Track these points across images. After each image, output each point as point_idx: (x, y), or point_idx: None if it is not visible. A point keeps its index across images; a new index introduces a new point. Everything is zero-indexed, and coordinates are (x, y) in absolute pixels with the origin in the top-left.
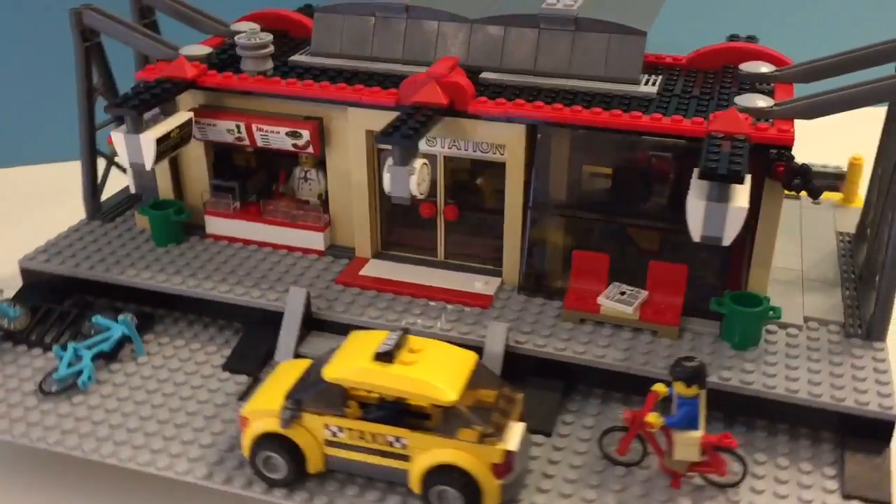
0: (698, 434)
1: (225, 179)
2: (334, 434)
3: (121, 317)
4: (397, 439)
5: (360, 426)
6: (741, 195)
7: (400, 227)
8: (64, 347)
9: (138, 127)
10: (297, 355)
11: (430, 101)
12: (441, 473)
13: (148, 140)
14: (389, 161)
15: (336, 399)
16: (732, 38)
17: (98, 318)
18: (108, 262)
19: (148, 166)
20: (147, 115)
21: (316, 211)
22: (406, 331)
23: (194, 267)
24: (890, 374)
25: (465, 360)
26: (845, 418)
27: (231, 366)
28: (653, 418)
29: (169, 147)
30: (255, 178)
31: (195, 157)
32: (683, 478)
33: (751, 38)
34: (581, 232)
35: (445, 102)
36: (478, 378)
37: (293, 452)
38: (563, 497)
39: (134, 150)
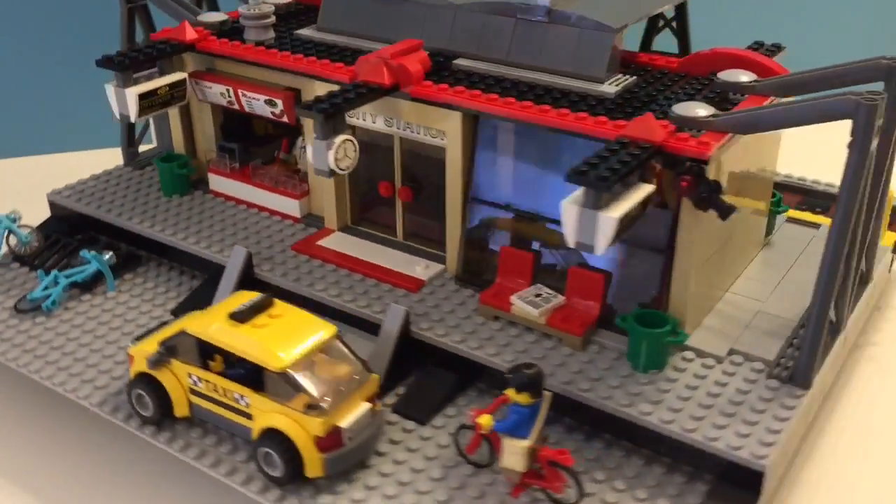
0: (524, 443)
1: (228, 141)
2: (195, 383)
3: (95, 253)
4: (241, 397)
5: (215, 380)
6: (619, 204)
7: (373, 204)
8: (48, 272)
9: (125, 82)
10: None
11: (372, 79)
12: (270, 436)
13: (132, 94)
14: (314, 134)
15: (198, 351)
16: (756, 45)
17: (84, 252)
18: (116, 205)
19: (132, 118)
20: (144, 73)
21: (299, 180)
22: (270, 296)
23: (180, 218)
24: (789, 424)
25: (319, 332)
26: (715, 460)
27: (177, 311)
28: (483, 420)
29: (157, 103)
30: (267, 144)
31: (206, 118)
32: (526, 489)
33: (775, 47)
34: (519, 227)
35: (387, 82)
36: (330, 352)
37: (160, 394)
38: (399, 484)
39: (121, 102)
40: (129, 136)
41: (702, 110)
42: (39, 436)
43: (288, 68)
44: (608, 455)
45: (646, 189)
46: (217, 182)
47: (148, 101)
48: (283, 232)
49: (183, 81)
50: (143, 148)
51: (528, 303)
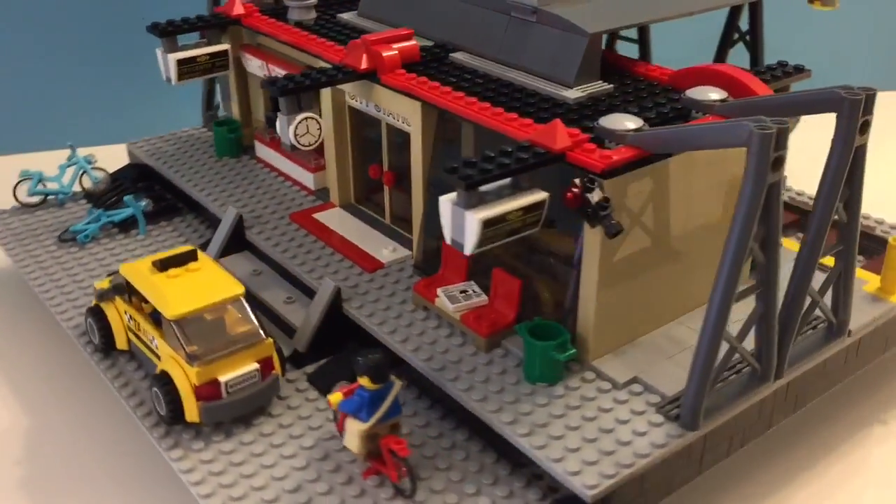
0: (360, 426)
1: (272, 112)
2: (129, 320)
3: (132, 198)
4: (153, 339)
5: (139, 319)
6: (494, 207)
7: (376, 186)
8: (98, 210)
9: (168, 48)
10: None
11: (351, 63)
12: (160, 378)
13: (172, 59)
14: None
15: (130, 292)
16: (775, 65)
17: (127, 197)
18: (173, 160)
19: (173, 82)
20: (192, 43)
21: (316, 155)
22: (194, 249)
23: (217, 177)
24: (647, 461)
25: (224, 290)
26: (553, 483)
27: None
28: (332, 397)
29: (197, 70)
30: None
31: (257, 89)
32: (378, 473)
33: (796, 69)
34: None
35: (362, 67)
36: (232, 310)
37: (104, 325)
38: (270, 445)
39: (166, 66)
40: (209, 101)
41: (630, 123)
42: (38, 344)
43: (296, 46)
44: (465, 447)
45: (535, 196)
46: (259, 149)
47: (188, 67)
48: (294, 201)
49: (224, 52)
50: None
51: (450, 297)
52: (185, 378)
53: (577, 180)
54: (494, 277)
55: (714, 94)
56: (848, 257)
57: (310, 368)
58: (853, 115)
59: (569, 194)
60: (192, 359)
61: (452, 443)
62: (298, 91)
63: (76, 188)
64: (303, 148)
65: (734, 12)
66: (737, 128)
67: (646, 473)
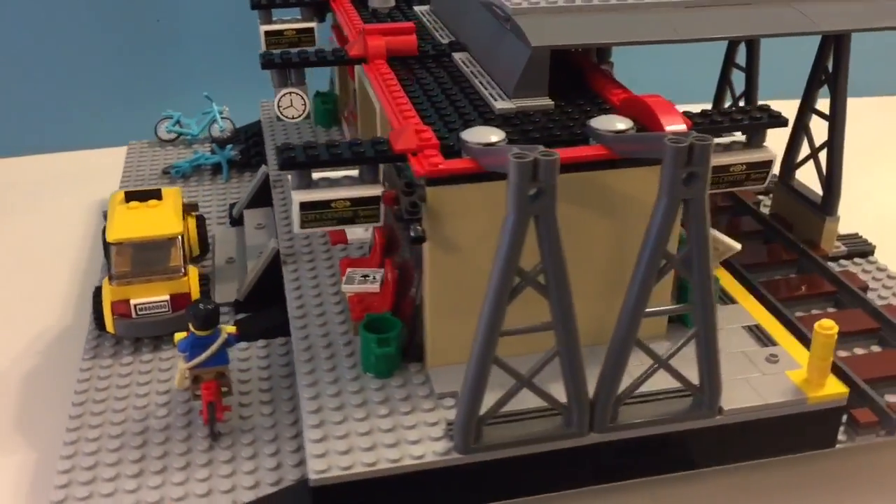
0: (182, 364)
1: None
2: None
3: (219, 146)
4: None
5: None
6: (323, 192)
7: None
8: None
9: (263, 20)
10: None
11: (347, 49)
12: (97, 291)
13: (261, 30)
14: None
15: None
16: (740, 110)
17: (215, 145)
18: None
19: (262, 49)
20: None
21: None
22: (159, 189)
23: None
24: (390, 467)
25: (162, 229)
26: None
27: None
28: (177, 335)
29: (283, 42)
30: None
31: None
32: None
33: (767, 117)
34: None
35: (352, 53)
36: (176, 247)
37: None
38: (145, 373)
39: (260, 37)
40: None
41: (494, 137)
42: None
43: (343, 27)
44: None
45: (367, 191)
46: (346, 121)
47: (274, 39)
48: None
49: (311, 29)
50: None
51: (349, 278)
52: (108, 294)
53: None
54: (385, 267)
55: (620, 125)
56: (703, 321)
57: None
58: (676, 164)
59: (387, 193)
60: (111, 278)
61: (274, 409)
62: (284, 67)
63: (205, 133)
64: (287, 120)
65: (731, 47)
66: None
67: (389, 480)
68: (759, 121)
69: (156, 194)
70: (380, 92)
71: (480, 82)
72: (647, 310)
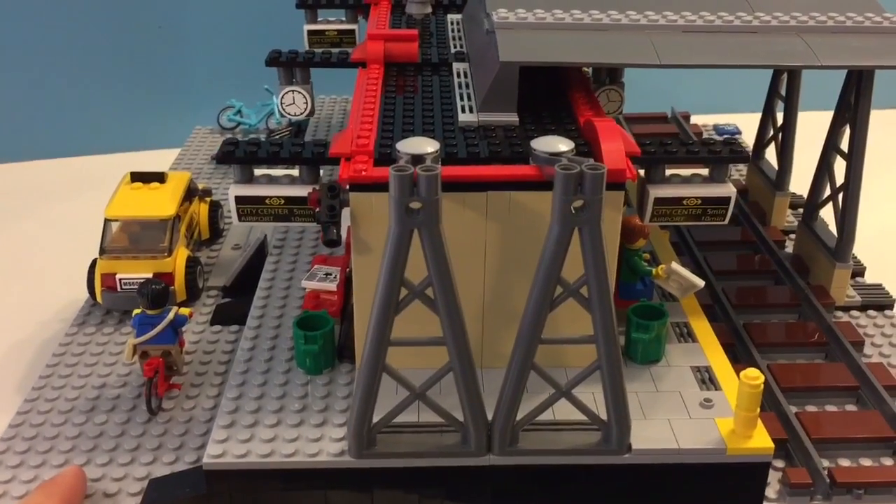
0: (132, 341)
1: None
2: None
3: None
4: None
5: None
6: (263, 188)
7: None
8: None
9: (308, 20)
10: None
11: (353, 52)
12: (92, 264)
13: (305, 30)
14: None
15: None
16: (701, 142)
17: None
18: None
19: (304, 48)
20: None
21: None
22: (163, 173)
23: None
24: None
25: (156, 211)
26: None
27: None
28: (136, 310)
29: (325, 41)
30: None
31: None
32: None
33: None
34: None
35: (354, 58)
36: (168, 228)
37: None
38: (118, 344)
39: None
40: None
41: (430, 147)
42: None
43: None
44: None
45: (298, 190)
46: None
47: (316, 38)
48: None
49: (352, 31)
50: None
51: (311, 274)
52: (98, 266)
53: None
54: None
55: (563, 146)
56: (605, 354)
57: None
58: (565, 191)
59: (313, 194)
60: (101, 252)
61: (219, 392)
62: (289, 65)
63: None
64: (289, 117)
65: (776, 75)
66: None
67: (279, 473)
68: (718, 154)
69: (159, 177)
70: (356, 95)
71: (461, 94)
72: (543, 337)
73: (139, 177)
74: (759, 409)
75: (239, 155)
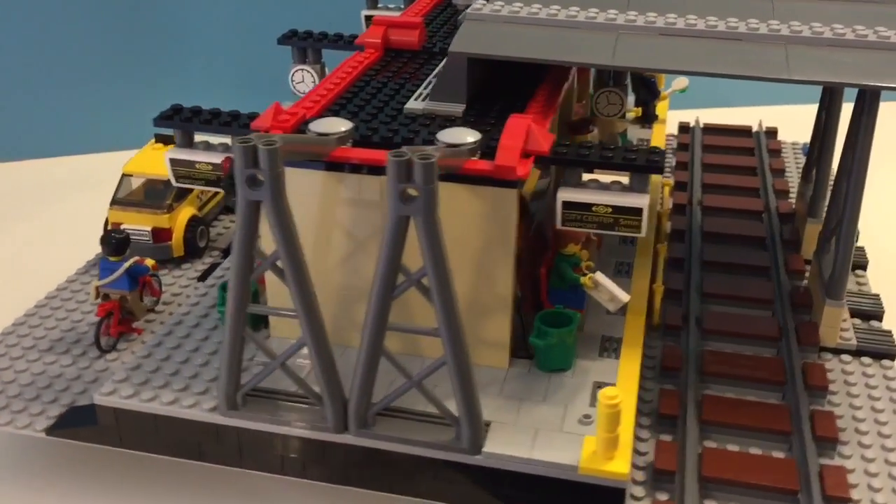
0: (94, 283)
1: None
2: None
3: None
4: None
5: None
6: (190, 153)
7: None
8: None
9: (369, 5)
10: None
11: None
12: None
13: (362, 15)
14: None
15: None
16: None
17: None
18: None
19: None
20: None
21: None
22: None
23: None
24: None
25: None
26: None
27: None
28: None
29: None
30: None
31: None
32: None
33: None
34: None
35: (357, 41)
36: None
37: None
38: None
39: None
40: None
41: (343, 126)
42: None
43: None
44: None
45: (215, 156)
46: None
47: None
48: None
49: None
50: None
51: None
52: (109, 216)
53: None
54: None
55: (470, 138)
56: (450, 348)
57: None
58: (395, 178)
59: (226, 162)
60: (112, 202)
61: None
62: (297, 44)
63: None
64: (298, 94)
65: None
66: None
67: (156, 419)
68: (632, 162)
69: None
70: (329, 75)
71: (429, 83)
72: (394, 323)
73: (162, 139)
74: (618, 431)
75: (177, 124)
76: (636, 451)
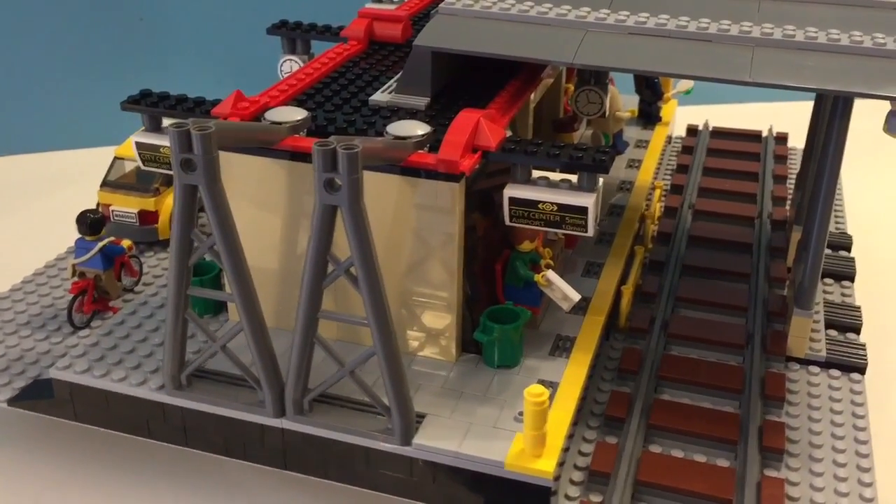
0: (71, 260)
1: None
2: None
3: None
4: None
5: None
6: (152, 135)
7: None
8: None
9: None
10: None
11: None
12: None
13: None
14: None
15: None
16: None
17: None
18: None
19: None
20: None
21: None
22: None
23: None
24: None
25: None
26: None
27: None
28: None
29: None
30: None
31: None
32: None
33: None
34: None
35: (342, 33)
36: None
37: None
38: None
39: None
40: None
41: (298, 115)
42: None
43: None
44: None
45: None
46: None
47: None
48: None
49: None
50: None
51: None
52: (99, 197)
53: None
54: None
55: (420, 131)
56: (378, 340)
57: None
58: (320, 167)
59: None
60: (101, 184)
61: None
62: (286, 34)
63: None
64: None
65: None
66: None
67: (109, 395)
68: (579, 161)
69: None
70: (308, 64)
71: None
72: (331, 312)
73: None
74: (545, 429)
75: (144, 104)
76: (579, 452)
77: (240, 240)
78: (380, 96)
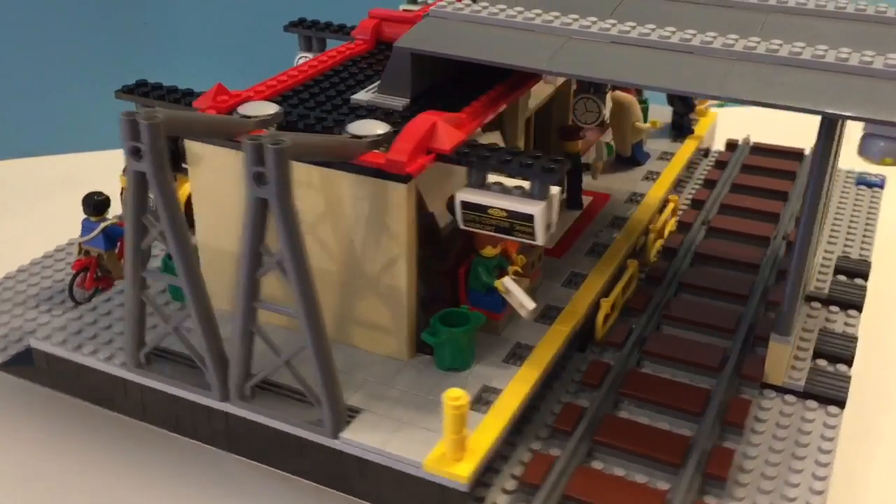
0: (77, 239)
1: None
2: None
3: None
4: None
5: None
6: None
7: None
8: None
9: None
10: None
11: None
12: None
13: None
14: None
15: None
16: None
17: None
18: None
19: None
20: None
21: None
22: None
23: None
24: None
25: None
26: None
27: None
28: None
29: None
30: None
31: None
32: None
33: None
34: None
35: (353, 32)
36: None
37: None
38: None
39: None
40: None
41: (270, 109)
42: None
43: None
44: None
45: None
46: None
47: None
48: None
49: None
50: None
51: None
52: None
53: None
54: None
55: (379, 130)
56: (308, 331)
57: None
58: (248, 161)
59: None
60: (123, 171)
61: None
62: (301, 32)
63: None
64: None
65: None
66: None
67: (80, 367)
68: (529, 168)
69: None
70: (306, 62)
71: None
72: (256, 303)
73: None
74: (464, 432)
75: (137, 95)
76: (520, 462)
77: (186, 226)
78: (362, 95)
